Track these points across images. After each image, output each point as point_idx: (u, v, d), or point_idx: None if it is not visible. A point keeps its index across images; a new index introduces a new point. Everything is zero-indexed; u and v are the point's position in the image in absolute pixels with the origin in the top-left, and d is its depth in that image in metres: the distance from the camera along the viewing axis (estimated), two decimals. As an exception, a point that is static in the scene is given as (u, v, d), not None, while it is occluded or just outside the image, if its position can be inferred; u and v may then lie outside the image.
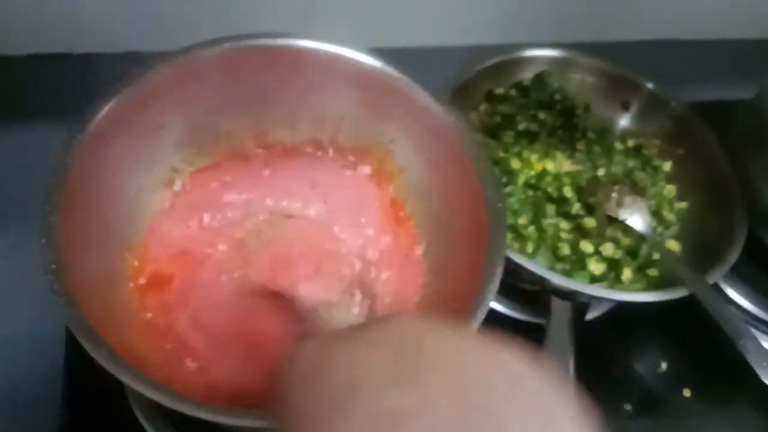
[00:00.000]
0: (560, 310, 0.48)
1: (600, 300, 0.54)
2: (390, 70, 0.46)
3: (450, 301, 0.42)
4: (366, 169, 0.51)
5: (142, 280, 0.44)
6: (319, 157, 0.50)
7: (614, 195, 0.57)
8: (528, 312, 0.55)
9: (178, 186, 0.48)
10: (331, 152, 0.51)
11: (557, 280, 0.49)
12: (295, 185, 0.50)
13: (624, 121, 0.66)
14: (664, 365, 0.59)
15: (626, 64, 0.67)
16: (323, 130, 0.50)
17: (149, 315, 0.43)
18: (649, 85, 0.64)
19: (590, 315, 0.57)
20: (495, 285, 0.40)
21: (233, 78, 0.46)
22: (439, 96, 0.46)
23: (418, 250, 0.47)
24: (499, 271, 0.40)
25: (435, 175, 0.48)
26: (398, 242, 0.48)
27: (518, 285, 0.52)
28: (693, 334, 0.59)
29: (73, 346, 0.47)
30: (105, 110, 0.42)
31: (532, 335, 0.47)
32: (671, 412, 0.56)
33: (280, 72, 0.47)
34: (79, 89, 0.66)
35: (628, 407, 0.55)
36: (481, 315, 0.38)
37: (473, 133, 0.46)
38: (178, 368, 0.41)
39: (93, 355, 0.34)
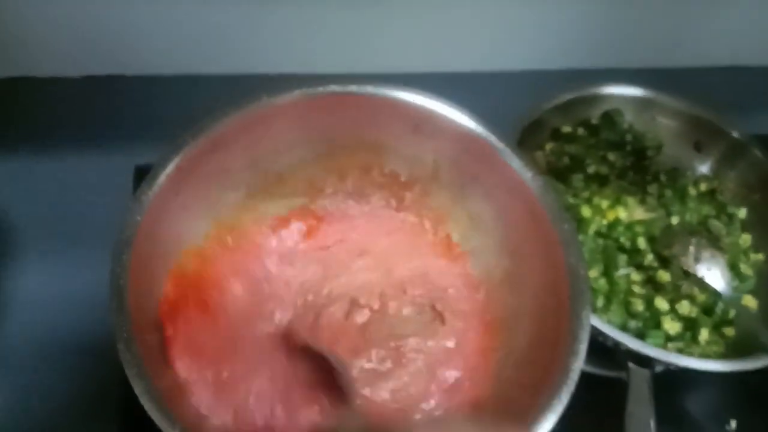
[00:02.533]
0: (638, 376, 0.46)
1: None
2: (477, 126, 0.44)
3: (527, 375, 0.40)
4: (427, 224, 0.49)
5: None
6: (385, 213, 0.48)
7: (691, 248, 0.54)
8: (602, 366, 0.52)
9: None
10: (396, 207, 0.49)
11: (635, 345, 0.46)
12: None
13: (698, 164, 0.63)
14: (734, 424, 0.56)
15: (695, 92, 0.64)
16: (394, 185, 0.48)
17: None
18: (731, 130, 0.61)
19: (658, 367, 0.55)
20: (579, 362, 0.37)
21: (303, 124, 0.44)
22: (520, 154, 0.43)
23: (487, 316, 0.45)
24: (583, 348, 0.38)
25: (508, 233, 0.45)
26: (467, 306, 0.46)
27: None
28: (766, 392, 0.56)
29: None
30: (174, 163, 0.40)
31: (609, 391, 0.47)
32: (740, 473, 0.54)
33: (352, 119, 0.45)
34: (130, 111, 0.66)
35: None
36: (565, 397, 0.36)
37: (555, 193, 0.42)
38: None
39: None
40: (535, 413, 0.36)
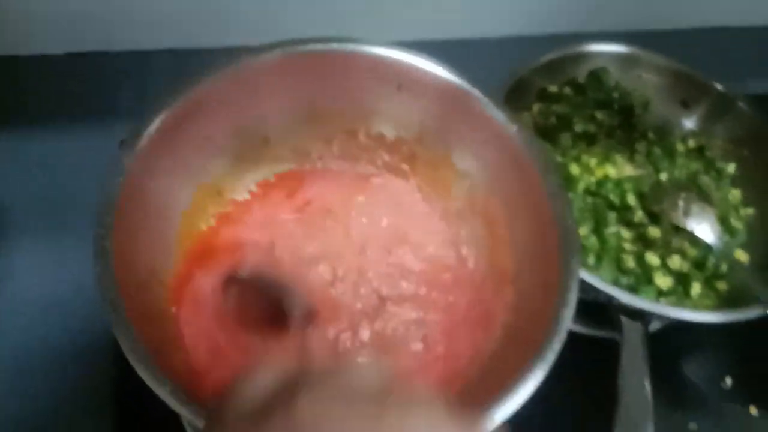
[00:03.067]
0: (632, 331, 0.46)
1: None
2: (461, 81, 0.43)
3: (523, 330, 0.39)
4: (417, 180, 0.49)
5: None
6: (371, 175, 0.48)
7: (681, 203, 0.54)
8: (594, 326, 0.52)
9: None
10: (386, 161, 0.48)
11: (627, 299, 0.46)
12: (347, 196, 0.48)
13: (685, 121, 0.63)
14: (729, 381, 0.56)
15: (679, 53, 0.63)
16: (380, 147, 0.47)
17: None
18: (716, 85, 0.61)
19: (652, 327, 0.55)
20: (570, 311, 0.37)
21: (285, 85, 0.44)
22: (504, 108, 0.43)
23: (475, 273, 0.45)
24: (573, 297, 0.38)
25: (497, 185, 0.45)
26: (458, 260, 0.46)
27: (581, 297, 0.50)
28: (760, 348, 0.56)
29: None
30: (155, 125, 0.40)
31: (603, 353, 0.47)
32: (737, 431, 0.54)
33: (335, 79, 0.44)
34: (116, 87, 0.65)
35: (693, 426, 0.53)
36: (557, 346, 0.36)
37: (541, 146, 0.42)
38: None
39: (157, 392, 0.32)
40: (527, 366, 0.36)
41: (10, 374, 0.49)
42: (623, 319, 0.46)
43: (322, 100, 0.46)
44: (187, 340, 0.40)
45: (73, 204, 0.57)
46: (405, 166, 0.48)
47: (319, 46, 0.43)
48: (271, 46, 0.43)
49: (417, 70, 0.44)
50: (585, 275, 0.46)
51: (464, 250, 0.46)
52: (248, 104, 0.44)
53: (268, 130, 0.46)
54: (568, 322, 0.37)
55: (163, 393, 0.32)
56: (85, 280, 0.51)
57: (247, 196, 0.47)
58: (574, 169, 0.55)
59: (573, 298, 0.38)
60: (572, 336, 0.52)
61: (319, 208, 0.46)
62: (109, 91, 0.65)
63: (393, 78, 0.45)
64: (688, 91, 0.62)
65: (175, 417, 0.41)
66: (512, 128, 0.42)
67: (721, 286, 0.53)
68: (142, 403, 0.33)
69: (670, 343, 0.56)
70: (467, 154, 0.46)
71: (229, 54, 0.66)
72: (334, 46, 0.43)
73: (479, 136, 0.44)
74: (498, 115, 0.43)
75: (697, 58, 0.63)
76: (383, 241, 0.45)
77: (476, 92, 0.43)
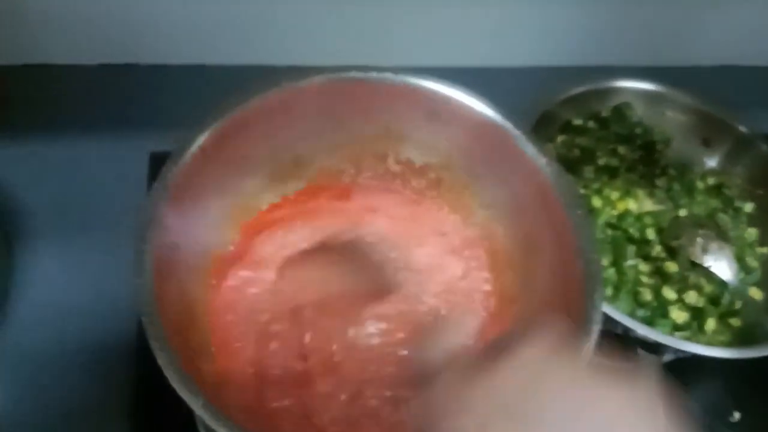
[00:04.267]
0: (647, 362, 0.46)
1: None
2: (492, 113, 0.44)
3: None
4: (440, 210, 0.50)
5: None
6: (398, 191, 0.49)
7: (699, 239, 0.55)
8: (608, 355, 0.53)
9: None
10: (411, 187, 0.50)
11: (644, 332, 0.47)
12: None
13: (706, 159, 0.64)
14: (737, 415, 0.56)
15: (705, 89, 0.65)
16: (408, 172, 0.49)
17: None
18: (739, 126, 0.62)
19: (664, 358, 0.55)
20: (592, 342, 0.38)
21: (321, 108, 0.45)
22: (535, 141, 0.44)
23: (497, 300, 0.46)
24: (596, 329, 0.38)
25: (519, 216, 0.46)
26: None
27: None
28: (768, 384, 0.57)
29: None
30: (198, 143, 0.40)
31: None
32: (743, 467, 0.54)
33: (370, 105, 0.45)
34: (144, 99, 0.67)
35: (701, 461, 0.53)
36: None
37: (569, 180, 0.43)
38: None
39: (190, 404, 0.33)
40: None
41: (30, 378, 0.50)
42: (640, 351, 0.47)
43: (355, 125, 0.47)
44: (217, 349, 0.41)
45: (98, 212, 0.58)
46: (432, 192, 0.49)
47: (359, 75, 0.44)
48: (315, 72, 0.44)
49: (449, 100, 0.45)
50: (604, 307, 0.47)
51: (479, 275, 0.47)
52: (285, 125, 0.45)
53: (299, 151, 0.47)
54: (589, 353, 0.38)
55: (196, 406, 0.33)
56: (108, 286, 0.54)
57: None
58: (596, 201, 0.56)
59: (596, 330, 0.38)
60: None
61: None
62: (138, 102, 0.66)
63: (425, 107, 0.46)
64: (710, 130, 0.63)
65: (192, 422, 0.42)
66: (541, 161, 0.43)
67: (735, 322, 0.54)
68: (162, 407, 0.33)
69: (680, 374, 0.57)
70: (493, 184, 0.47)
71: (260, 73, 0.68)
72: (374, 75, 0.44)
73: (506, 168, 0.45)
74: (528, 149, 0.44)
75: (720, 95, 0.64)
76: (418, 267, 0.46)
77: (507, 124, 0.44)
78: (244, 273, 0.44)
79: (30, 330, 0.52)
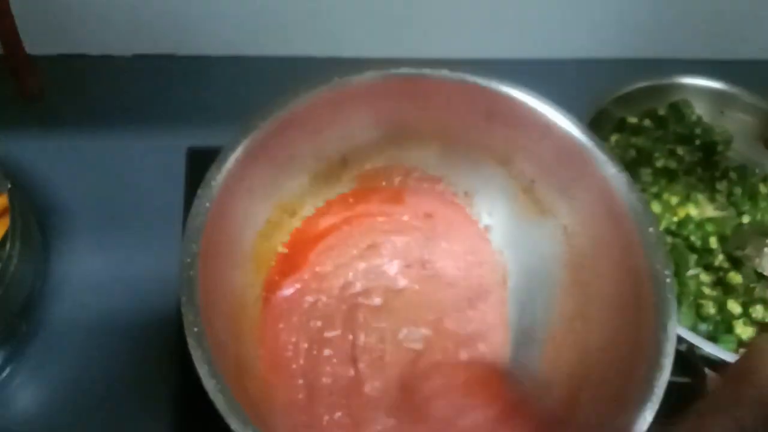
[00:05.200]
0: (713, 380, 0.44)
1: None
2: (555, 113, 0.41)
3: (604, 394, 0.37)
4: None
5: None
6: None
7: (766, 250, 0.52)
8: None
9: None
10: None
11: (710, 349, 0.44)
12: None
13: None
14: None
15: (763, 85, 0.61)
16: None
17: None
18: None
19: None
20: (665, 376, 0.35)
21: (372, 107, 0.43)
22: (604, 148, 0.41)
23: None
24: (668, 363, 0.35)
25: (584, 230, 0.43)
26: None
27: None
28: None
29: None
30: (243, 145, 0.38)
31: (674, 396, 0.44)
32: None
33: (423, 104, 0.43)
34: (181, 91, 0.65)
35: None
36: (649, 416, 0.34)
37: (641, 194, 0.40)
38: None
39: (229, 422, 0.31)
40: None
41: (69, 381, 0.49)
42: (707, 370, 0.44)
43: (407, 124, 0.44)
44: (265, 362, 0.39)
45: (135, 208, 0.57)
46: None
47: (411, 71, 0.41)
48: (364, 69, 0.41)
49: (509, 99, 0.42)
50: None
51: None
52: (333, 125, 0.43)
53: (348, 151, 0.45)
54: (662, 389, 0.34)
55: (235, 425, 0.31)
56: (146, 284, 0.52)
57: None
58: (656, 207, 0.53)
59: (668, 363, 0.35)
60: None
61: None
62: (174, 95, 0.65)
63: (483, 107, 0.43)
64: (772, 129, 0.59)
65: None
66: (611, 170, 0.40)
67: (804, 338, 0.51)
68: (202, 415, 0.31)
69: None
70: (554, 191, 0.44)
71: (299, 64, 0.66)
72: (426, 71, 0.41)
73: (569, 174, 0.42)
74: (597, 155, 0.41)
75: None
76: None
77: (573, 129, 0.41)
78: (299, 285, 0.42)
79: (68, 331, 0.50)
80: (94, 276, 0.53)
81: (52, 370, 0.49)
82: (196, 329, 0.32)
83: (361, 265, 0.44)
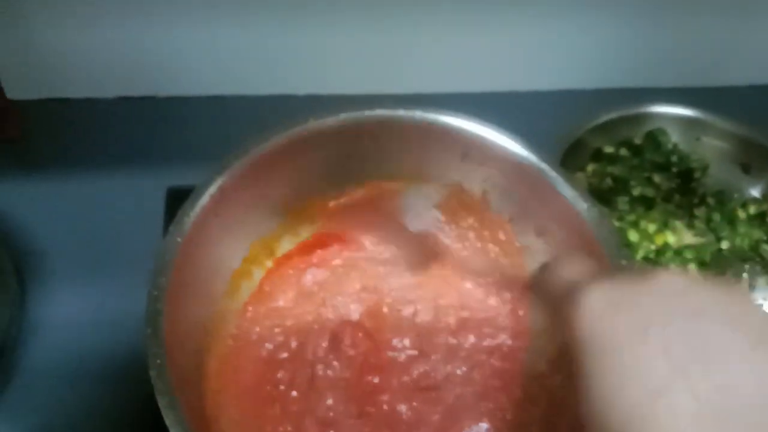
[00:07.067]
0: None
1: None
2: (528, 154, 0.42)
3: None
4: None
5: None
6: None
7: (745, 276, 0.52)
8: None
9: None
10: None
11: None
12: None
13: (746, 186, 0.61)
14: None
15: (736, 111, 0.62)
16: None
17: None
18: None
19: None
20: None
21: (347, 147, 0.43)
22: (575, 184, 0.41)
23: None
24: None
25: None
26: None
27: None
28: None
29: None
30: (217, 183, 0.39)
31: None
32: None
33: (398, 144, 0.43)
34: (163, 133, 0.65)
35: None
36: None
37: (612, 225, 0.40)
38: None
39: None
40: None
41: (43, 425, 0.48)
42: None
43: (382, 165, 0.44)
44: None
45: (114, 250, 0.57)
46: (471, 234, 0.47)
47: (385, 113, 0.42)
48: (335, 106, 0.42)
49: (483, 140, 0.43)
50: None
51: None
52: (308, 165, 0.43)
53: (326, 191, 0.45)
54: None
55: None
56: (124, 329, 0.51)
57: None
58: (633, 235, 0.53)
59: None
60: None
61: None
62: (156, 136, 0.65)
63: (459, 147, 0.43)
64: (749, 155, 0.60)
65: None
66: (582, 205, 0.40)
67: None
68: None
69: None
70: (530, 228, 0.44)
71: (278, 102, 0.67)
72: (401, 113, 0.42)
73: (544, 211, 0.42)
74: (566, 191, 0.41)
75: (760, 118, 0.61)
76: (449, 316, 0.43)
77: (544, 166, 0.41)
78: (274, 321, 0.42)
79: (44, 376, 0.50)
80: (72, 319, 0.53)
81: (27, 416, 0.48)
82: (158, 361, 0.32)
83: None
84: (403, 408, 0.39)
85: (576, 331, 0.26)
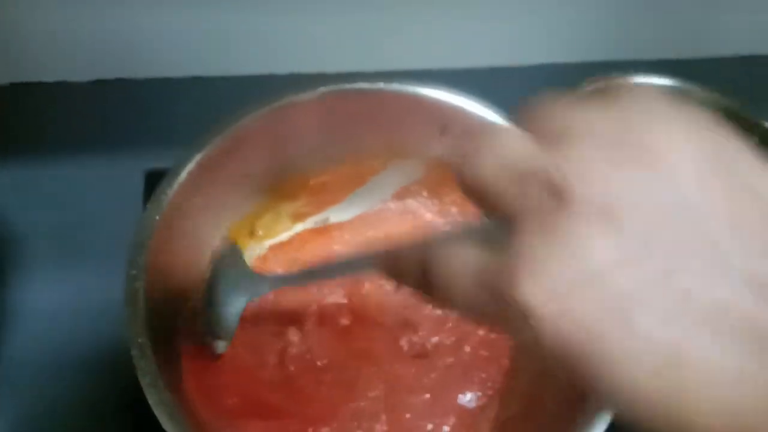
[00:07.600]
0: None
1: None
2: (509, 126, 0.41)
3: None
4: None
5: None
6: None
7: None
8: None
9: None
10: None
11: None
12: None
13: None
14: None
15: (717, 83, 0.61)
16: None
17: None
18: (764, 122, 0.58)
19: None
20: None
21: (327, 123, 0.42)
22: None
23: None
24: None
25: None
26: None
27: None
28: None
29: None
30: (195, 161, 0.38)
31: None
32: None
33: (378, 119, 0.43)
34: (140, 115, 0.64)
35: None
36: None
37: None
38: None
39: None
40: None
41: (26, 413, 0.47)
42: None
43: (363, 140, 0.44)
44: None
45: (92, 234, 0.55)
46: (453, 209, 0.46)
47: (365, 86, 0.41)
48: (316, 84, 0.41)
49: (463, 112, 0.42)
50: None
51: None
52: (288, 141, 0.42)
53: (307, 168, 0.45)
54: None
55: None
56: (105, 314, 0.51)
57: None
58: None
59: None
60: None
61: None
62: (133, 118, 0.64)
63: (438, 121, 0.43)
64: (733, 127, 0.60)
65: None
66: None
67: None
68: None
69: None
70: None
71: (258, 82, 0.66)
72: (380, 85, 0.41)
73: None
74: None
75: (745, 89, 0.61)
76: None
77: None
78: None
79: (23, 365, 0.49)
80: (52, 307, 0.52)
81: (8, 405, 0.47)
82: (139, 340, 0.32)
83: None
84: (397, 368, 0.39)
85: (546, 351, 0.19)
